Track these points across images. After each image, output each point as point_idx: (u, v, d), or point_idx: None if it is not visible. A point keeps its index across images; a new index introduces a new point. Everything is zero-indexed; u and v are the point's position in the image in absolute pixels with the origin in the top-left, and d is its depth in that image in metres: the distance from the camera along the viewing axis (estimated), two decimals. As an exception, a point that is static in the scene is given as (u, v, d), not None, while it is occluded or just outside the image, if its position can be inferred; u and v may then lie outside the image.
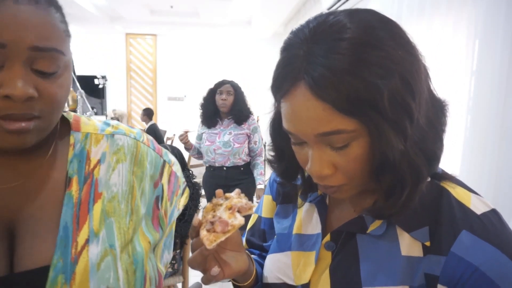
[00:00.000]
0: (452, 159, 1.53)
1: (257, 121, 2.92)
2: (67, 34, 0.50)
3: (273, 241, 0.68)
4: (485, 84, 1.31)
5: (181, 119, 7.53)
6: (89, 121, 0.64)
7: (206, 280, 0.54)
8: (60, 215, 0.53)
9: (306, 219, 0.63)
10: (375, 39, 0.42)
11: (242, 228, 0.55)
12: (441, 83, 1.60)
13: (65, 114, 0.62)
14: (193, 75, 7.46)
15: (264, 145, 3.00)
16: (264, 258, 0.70)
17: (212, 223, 0.51)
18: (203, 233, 0.50)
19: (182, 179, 0.76)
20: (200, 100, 2.88)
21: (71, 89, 0.60)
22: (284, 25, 6.29)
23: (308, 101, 0.43)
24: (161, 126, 6.30)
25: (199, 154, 2.81)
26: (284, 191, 0.69)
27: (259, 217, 0.75)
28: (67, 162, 0.57)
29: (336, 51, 0.41)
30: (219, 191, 0.55)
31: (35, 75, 0.47)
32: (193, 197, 2.13)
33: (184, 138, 2.64)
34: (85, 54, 7.04)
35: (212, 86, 2.83)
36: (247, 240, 0.78)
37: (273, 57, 0.50)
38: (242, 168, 2.68)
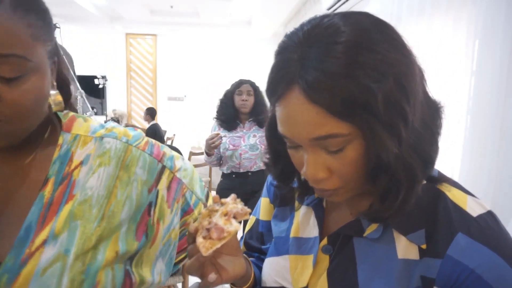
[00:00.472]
0: (452, 159, 1.53)
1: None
2: (36, 38, 0.49)
3: (271, 244, 0.68)
4: (485, 84, 1.31)
5: (181, 119, 7.54)
6: (85, 122, 0.64)
7: (204, 286, 0.54)
8: (27, 214, 0.53)
9: (304, 222, 0.63)
10: (369, 41, 0.42)
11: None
12: (441, 83, 1.60)
13: (61, 114, 0.62)
14: (193, 75, 7.46)
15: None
16: (262, 260, 0.70)
17: (208, 230, 0.50)
18: (199, 240, 0.50)
19: (202, 183, 0.74)
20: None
21: (56, 91, 0.59)
22: (284, 25, 6.29)
23: (303, 105, 0.43)
24: (161, 126, 6.30)
25: (218, 161, 2.52)
26: (282, 193, 0.69)
27: (257, 220, 0.75)
28: (51, 163, 0.57)
29: (330, 55, 0.41)
30: (215, 197, 0.55)
31: None
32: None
33: (217, 143, 2.31)
34: (85, 54, 7.04)
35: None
36: (245, 243, 0.78)
37: (273, 57, 0.50)
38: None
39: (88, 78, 6.57)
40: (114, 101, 7.47)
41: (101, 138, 0.61)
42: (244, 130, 2.52)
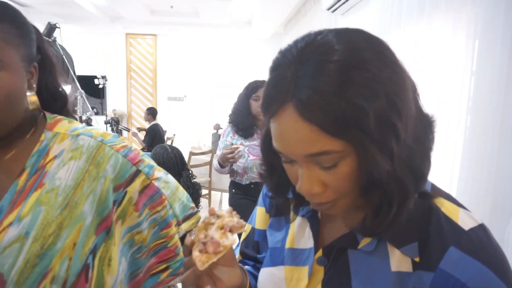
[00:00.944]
0: (452, 159, 1.53)
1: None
2: (7, 42, 0.58)
3: (266, 255, 0.68)
4: (485, 84, 1.31)
5: (181, 119, 7.54)
6: (68, 124, 0.70)
7: None
8: (0, 200, 0.60)
9: (299, 233, 0.63)
10: (361, 60, 0.43)
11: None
12: (441, 83, 1.60)
13: (49, 116, 0.70)
14: (193, 75, 7.46)
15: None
16: (258, 269, 0.70)
17: (204, 243, 0.51)
18: (196, 254, 0.50)
19: (188, 204, 0.79)
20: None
21: (32, 92, 0.66)
22: (284, 25, 6.29)
23: (296, 122, 0.43)
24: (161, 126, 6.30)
25: (230, 170, 2.31)
26: (277, 204, 0.69)
27: (253, 229, 0.76)
28: (29, 156, 0.64)
29: (323, 74, 0.42)
30: (211, 209, 0.56)
31: None
32: (193, 197, 2.14)
33: (236, 157, 2.13)
34: (85, 54, 7.04)
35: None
36: (241, 252, 0.78)
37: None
38: None
39: (88, 78, 6.56)
40: (114, 101, 7.47)
41: (77, 135, 0.68)
42: None
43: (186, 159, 2.38)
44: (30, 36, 0.64)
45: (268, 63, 0.50)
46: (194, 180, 2.22)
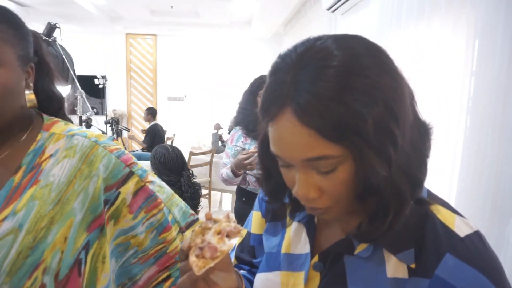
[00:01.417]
0: (452, 159, 1.53)
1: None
2: (3, 40, 0.62)
3: (262, 260, 0.68)
4: (485, 84, 1.31)
5: (181, 119, 7.54)
6: (64, 126, 0.73)
7: None
8: None
9: (295, 239, 0.63)
10: (360, 67, 0.43)
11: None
12: (441, 83, 1.60)
13: (47, 118, 0.73)
14: (193, 75, 7.46)
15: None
16: (253, 274, 0.70)
17: (201, 248, 0.50)
18: (192, 258, 0.50)
19: (187, 211, 0.80)
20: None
21: (30, 91, 0.69)
22: (284, 25, 6.30)
23: (294, 127, 0.43)
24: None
25: (244, 179, 2.03)
26: (273, 209, 0.69)
27: (248, 233, 0.76)
28: (25, 155, 0.67)
29: (322, 79, 0.42)
30: (208, 214, 0.56)
31: None
32: (193, 197, 2.14)
33: (254, 163, 1.81)
34: (85, 54, 7.04)
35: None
36: (236, 257, 0.78)
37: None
38: None
39: (88, 78, 6.56)
40: (114, 101, 7.47)
41: (72, 136, 0.71)
42: None
43: (186, 159, 2.38)
44: (27, 38, 0.68)
45: (268, 63, 0.50)
46: (194, 180, 2.22)
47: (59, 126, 0.72)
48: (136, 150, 5.83)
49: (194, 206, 2.17)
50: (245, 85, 2.30)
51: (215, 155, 4.76)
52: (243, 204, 2.12)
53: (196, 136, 7.43)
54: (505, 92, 1.24)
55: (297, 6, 4.92)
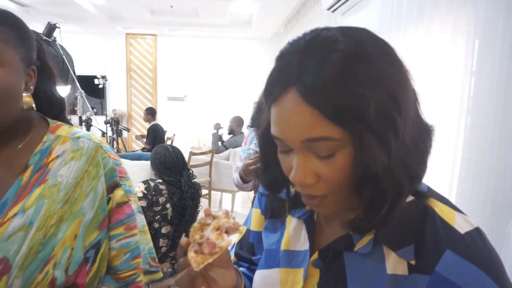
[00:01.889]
0: (452, 159, 1.53)
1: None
2: (5, 42, 0.64)
3: (261, 257, 0.68)
4: (485, 84, 1.31)
5: (181, 119, 7.54)
6: (69, 128, 0.76)
7: None
8: (5, 193, 0.65)
9: (294, 235, 0.63)
10: (366, 54, 0.44)
11: None
12: (441, 83, 1.60)
13: (51, 121, 0.76)
14: (193, 75, 7.46)
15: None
16: (253, 271, 0.70)
17: (199, 244, 0.50)
18: (191, 254, 0.50)
19: (144, 253, 0.81)
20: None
21: (28, 94, 0.70)
22: (284, 25, 6.29)
23: (298, 106, 0.44)
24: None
25: (253, 184, 1.89)
26: (273, 206, 0.69)
27: (248, 230, 0.76)
28: (32, 154, 0.70)
29: (327, 61, 0.43)
30: (207, 210, 0.56)
31: None
32: (193, 197, 2.14)
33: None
34: (85, 54, 7.04)
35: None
36: (236, 254, 0.78)
37: (273, 57, 0.50)
38: None
39: (88, 78, 6.56)
40: (114, 101, 7.47)
41: (78, 138, 0.74)
42: None
43: (186, 159, 2.38)
44: (30, 42, 0.70)
45: (268, 63, 0.50)
46: (194, 180, 2.22)
47: (64, 129, 0.75)
48: (136, 150, 5.83)
49: (194, 206, 2.17)
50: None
51: (215, 155, 4.76)
52: None
53: (196, 136, 7.44)
54: (505, 92, 1.24)
55: (297, 6, 4.92)
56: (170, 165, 2.11)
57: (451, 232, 0.48)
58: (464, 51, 1.47)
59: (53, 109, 0.79)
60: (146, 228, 0.83)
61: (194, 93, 7.56)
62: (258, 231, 0.73)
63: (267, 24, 6.04)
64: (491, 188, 1.29)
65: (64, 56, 2.97)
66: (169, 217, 2.05)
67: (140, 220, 0.81)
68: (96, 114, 6.91)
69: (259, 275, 0.66)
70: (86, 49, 7.15)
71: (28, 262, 0.62)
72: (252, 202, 0.85)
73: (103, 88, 7.23)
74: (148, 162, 2.36)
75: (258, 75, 6.85)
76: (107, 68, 7.33)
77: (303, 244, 0.61)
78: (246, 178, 1.84)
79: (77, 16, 5.77)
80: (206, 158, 4.62)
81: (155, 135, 5.21)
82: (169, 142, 5.80)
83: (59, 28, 2.99)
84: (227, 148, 5.06)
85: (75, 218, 0.68)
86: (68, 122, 0.81)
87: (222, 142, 5.39)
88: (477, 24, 1.36)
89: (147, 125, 5.55)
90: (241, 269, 0.72)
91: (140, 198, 1.95)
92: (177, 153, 2.18)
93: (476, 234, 0.49)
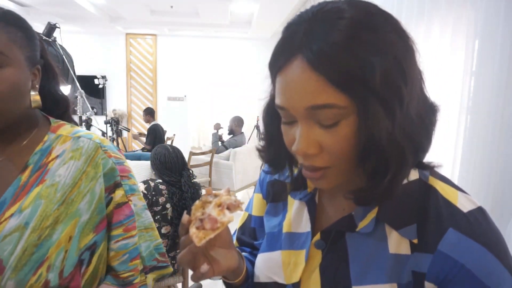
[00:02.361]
0: (452, 159, 1.53)
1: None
2: (13, 41, 0.65)
3: (263, 240, 0.68)
4: (485, 84, 1.32)
5: (181, 119, 7.54)
6: (70, 128, 0.75)
7: (196, 277, 0.54)
8: (4, 192, 0.65)
9: (296, 218, 0.63)
10: (372, 22, 0.44)
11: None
12: (441, 83, 1.60)
13: (53, 120, 0.76)
14: (193, 75, 7.46)
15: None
16: (255, 255, 0.70)
17: (201, 220, 0.50)
18: (193, 230, 0.50)
19: (150, 250, 0.80)
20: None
21: (35, 92, 0.71)
22: (284, 25, 6.29)
23: (304, 72, 0.44)
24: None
25: None
26: (274, 190, 0.69)
27: (249, 215, 0.76)
28: (32, 154, 0.69)
29: (334, 28, 0.43)
30: (208, 189, 0.56)
31: None
32: (193, 197, 2.14)
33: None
34: (85, 54, 7.04)
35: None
36: (237, 239, 0.78)
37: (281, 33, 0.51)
38: None
39: (88, 78, 6.57)
40: (114, 101, 7.47)
41: (78, 137, 0.73)
42: None
43: (186, 159, 2.39)
44: (34, 41, 0.71)
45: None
46: (194, 180, 2.22)
47: (66, 128, 0.75)
48: (136, 150, 5.83)
49: (194, 206, 2.17)
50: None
51: (215, 155, 4.76)
52: None
53: (196, 136, 7.44)
54: (505, 92, 1.24)
55: (297, 6, 4.92)
56: (170, 165, 2.11)
57: (454, 211, 0.48)
58: (464, 51, 1.47)
59: (58, 108, 0.79)
60: (153, 224, 0.82)
61: (194, 93, 7.56)
62: (260, 216, 0.73)
63: (267, 24, 6.04)
64: (491, 188, 1.29)
65: (64, 56, 2.97)
66: (169, 217, 2.05)
67: (147, 217, 0.80)
68: (96, 114, 6.90)
69: (261, 257, 0.65)
70: (86, 49, 7.15)
71: (21, 263, 0.61)
72: None
73: (103, 88, 7.23)
74: (148, 162, 2.36)
75: (258, 75, 6.85)
76: (107, 68, 7.33)
77: (305, 226, 0.61)
78: None
79: (77, 16, 5.77)
80: (206, 158, 4.62)
81: (155, 135, 5.21)
82: (169, 142, 5.80)
83: (59, 28, 2.99)
84: (227, 148, 5.06)
85: (70, 219, 0.67)
86: (72, 121, 0.81)
87: (222, 142, 5.39)
88: (477, 24, 1.37)
89: (147, 126, 5.55)
90: (243, 254, 0.72)
91: (140, 198, 1.95)
92: (177, 153, 2.18)
93: (479, 212, 0.49)
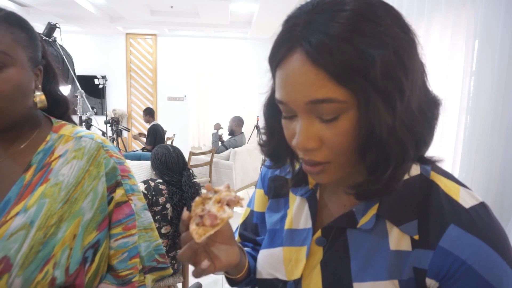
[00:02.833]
0: (452, 159, 1.53)
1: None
2: (16, 42, 0.65)
3: (265, 236, 0.68)
4: (484, 84, 1.32)
5: (181, 119, 7.54)
6: (72, 128, 0.76)
7: (197, 273, 0.54)
8: (8, 191, 0.66)
9: (297, 214, 0.63)
10: (373, 14, 0.43)
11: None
12: (440, 83, 1.60)
13: (55, 121, 0.77)
14: (193, 75, 7.46)
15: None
16: (257, 251, 0.70)
17: (201, 217, 0.50)
18: (193, 227, 0.50)
19: (150, 251, 0.80)
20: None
21: (40, 92, 0.72)
22: (284, 25, 6.28)
23: (303, 66, 0.43)
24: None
25: None
26: (276, 185, 0.69)
27: (251, 211, 0.76)
28: (35, 153, 0.70)
29: (334, 20, 0.42)
30: (208, 185, 0.56)
31: None
32: (194, 197, 2.14)
33: None
34: (85, 54, 7.04)
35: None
36: (240, 234, 0.78)
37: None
38: None
39: (88, 78, 6.57)
40: (114, 101, 7.47)
41: (80, 137, 0.75)
42: None
43: (186, 159, 2.39)
44: (36, 42, 0.71)
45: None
46: (194, 180, 2.22)
47: (68, 128, 0.76)
48: (136, 150, 5.83)
49: (194, 206, 2.17)
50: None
51: (215, 155, 4.76)
52: None
53: (196, 136, 7.43)
54: (505, 92, 1.24)
55: (297, 6, 4.92)
56: (170, 165, 2.11)
57: (456, 207, 0.48)
58: (464, 51, 1.47)
59: (59, 109, 0.80)
60: (153, 225, 0.82)
61: (194, 93, 7.56)
62: (262, 211, 0.73)
63: (267, 24, 6.04)
64: (491, 188, 1.29)
65: (64, 56, 2.97)
66: (169, 217, 2.05)
67: (147, 217, 0.81)
68: (96, 114, 6.90)
69: (263, 254, 0.66)
70: (86, 49, 7.15)
71: (28, 261, 0.62)
72: None
73: (103, 88, 7.23)
74: (148, 162, 2.36)
75: (258, 75, 6.85)
76: (107, 68, 7.33)
77: (306, 222, 0.61)
78: None
79: (77, 16, 5.77)
80: (206, 158, 4.62)
81: (156, 135, 5.21)
82: (169, 142, 5.80)
83: (59, 28, 2.99)
84: (227, 148, 5.06)
85: (74, 218, 0.68)
86: (72, 121, 0.82)
87: (222, 142, 5.39)
88: (477, 24, 1.37)
89: (147, 126, 5.55)
90: (245, 249, 0.72)
91: (140, 198, 1.95)
92: (177, 153, 2.18)
93: (481, 208, 0.48)
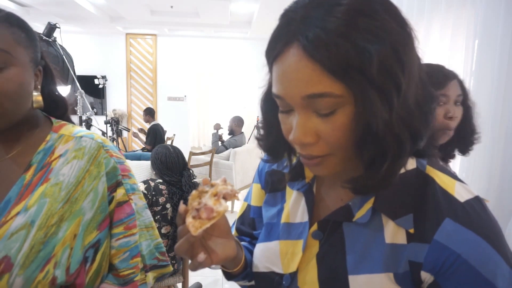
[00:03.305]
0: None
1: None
2: (17, 42, 0.65)
3: (262, 230, 0.69)
4: (484, 84, 1.32)
5: (181, 119, 7.54)
6: (72, 128, 0.76)
7: (193, 266, 0.55)
8: (9, 191, 0.66)
9: (294, 208, 0.63)
10: (370, 9, 0.43)
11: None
12: (440, 83, 1.60)
13: (55, 121, 0.77)
14: (193, 75, 7.46)
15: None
16: (254, 245, 0.70)
17: (197, 210, 0.51)
18: (189, 220, 0.50)
19: (151, 249, 0.81)
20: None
21: (38, 93, 0.72)
22: (284, 25, 6.29)
23: (300, 61, 0.43)
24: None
25: None
26: (273, 180, 0.69)
27: (249, 206, 0.76)
28: (35, 153, 0.71)
29: (331, 14, 0.42)
30: (205, 179, 0.56)
31: None
32: (193, 197, 2.14)
33: None
34: (85, 54, 7.04)
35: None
36: (237, 229, 0.78)
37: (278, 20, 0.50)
38: None
39: (88, 78, 6.57)
40: (114, 101, 7.47)
41: (81, 137, 0.75)
42: None
43: (186, 159, 2.39)
44: (36, 43, 0.72)
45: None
46: (194, 180, 2.22)
47: (68, 128, 0.76)
48: (136, 150, 5.83)
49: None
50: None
51: (215, 155, 4.76)
52: None
53: (196, 136, 7.43)
54: (505, 92, 1.24)
55: (297, 6, 4.92)
56: (171, 165, 2.11)
57: (451, 201, 0.48)
58: (464, 51, 1.47)
59: (58, 110, 0.80)
60: (153, 224, 0.83)
61: (194, 93, 7.56)
62: (259, 206, 0.73)
63: (267, 24, 6.04)
64: (491, 188, 1.29)
65: (64, 56, 2.97)
66: (169, 217, 2.05)
67: (147, 216, 0.81)
68: (96, 114, 6.90)
69: (259, 247, 0.66)
70: (86, 49, 7.15)
71: (29, 260, 0.63)
72: None
73: (103, 88, 7.23)
74: (148, 162, 2.36)
75: (258, 75, 6.85)
76: (107, 68, 7.33)
77: (303, 216, 0.61)
78: None
79: (77, 16, 5.77)
80: (206, 158, 4.62)
81: (156, 135, 5.21)
82: (169, 142, 5.80)
83: (59, 28, 2.98)
84: (227, 148, 5.06)
85: (75, 217, 0.68)
86: (71, 121, 0.82)
87: (222, 142, 5.39)
88: (477, 24, 1.37)
89: (147, 126, 5.55)
90: (242, 243, 0.72)
91: (140, 198, 1.95)
92: (177, 153, 2.18)
93: (476, 202, 0.49)
